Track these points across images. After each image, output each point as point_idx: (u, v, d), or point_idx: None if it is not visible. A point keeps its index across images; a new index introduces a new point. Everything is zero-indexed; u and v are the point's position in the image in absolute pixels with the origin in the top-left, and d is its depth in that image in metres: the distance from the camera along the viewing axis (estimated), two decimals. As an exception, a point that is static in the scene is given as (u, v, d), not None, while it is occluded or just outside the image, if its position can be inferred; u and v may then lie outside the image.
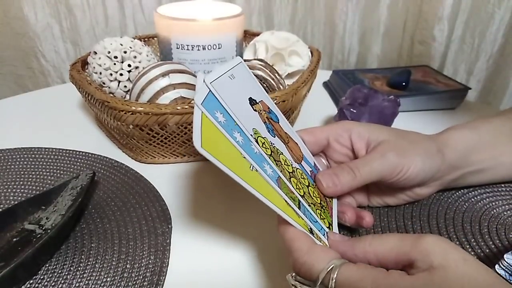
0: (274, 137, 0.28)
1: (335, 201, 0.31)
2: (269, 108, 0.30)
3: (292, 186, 0.26)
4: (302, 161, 0.30)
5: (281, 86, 0.45)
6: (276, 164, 0.25)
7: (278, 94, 0.40)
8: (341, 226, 0.30)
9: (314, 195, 0.28)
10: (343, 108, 0.45)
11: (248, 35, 0.62)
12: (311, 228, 0.25)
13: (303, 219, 0.25)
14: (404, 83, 0.58)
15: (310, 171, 0.30)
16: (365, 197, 0.34)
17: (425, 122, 0.54)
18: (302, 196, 0.26)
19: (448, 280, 0.19)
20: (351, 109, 0.44)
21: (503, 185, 0.38)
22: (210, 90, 0.24)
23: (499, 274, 0.24)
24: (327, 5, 0.88)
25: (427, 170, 0.30)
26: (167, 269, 0.30)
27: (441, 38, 0.82)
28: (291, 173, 0.27)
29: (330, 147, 0.33)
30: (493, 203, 0.36)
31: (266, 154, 0.25)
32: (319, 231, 0.25)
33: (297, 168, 0.28)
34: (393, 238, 0.22)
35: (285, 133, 0.30)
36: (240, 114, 0.25)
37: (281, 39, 0.56)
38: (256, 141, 0.25)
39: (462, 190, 0.37)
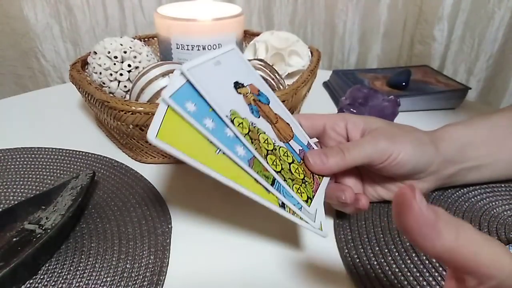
0: (258, 117, 0.28)
1: (326, 179, 0.31)
2: (258, 90, 0.30)
3: (268, 163, 0.26)
4: (292, 140, 0.30)
5: (281, 86, 0.45)
6: (252, 143, 0.26)
7: (278, 94, 0.40)
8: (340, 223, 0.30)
9: (297, 171, 0.28)
10: (343, 108, 0.45)
11: (248, 35, 0.62)
12: (282, 203, 0.25)
13: (274, 194, 0.25)
14: (404, 83, 0.58)
15: (299, 149, 0.30)
16: (360, 190, 0.34)
17: (425, 122, 0.54)
18: (279, 172, 0.26)
19: None
20: (351, 109, 0.44)
21: (503, 185, 0.38)
22: (187, 79, 0.24)
23: None
24: (327, 5, 0.89)
25: (418, 158, 0.30)
26: (167, 269, 0.30)
27: (441, 38, 0.82)
28: (270, 151, 0.27)
29: (325, 134, 0.33)
30: (493, 203, 0.36)
31: (241, 133, 0.25)
32: (294, 205, 0.26)
33: (280, 147, 0.28)
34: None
35: (275, 114, 0.30)
36: (218, 98, 0.25)
37: (281, 39, 0.56)
38: (232, 122, 0.25)
39: (462, 190, 0.37)
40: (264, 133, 0.27)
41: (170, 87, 0.23)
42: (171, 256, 0.31)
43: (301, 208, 0.26)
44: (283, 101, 0.40)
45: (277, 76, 0.45)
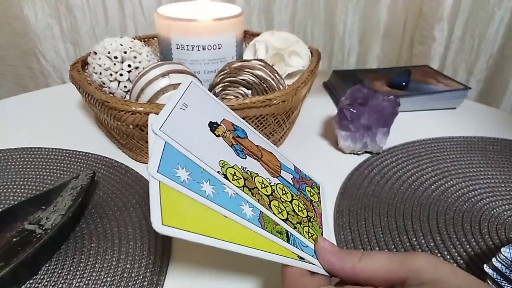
0: (245, 158, 0.27)
1: (322, 192, 0.30)
2: (233, 124, 0.28)
3: (274, 213, 0.24)
4: (281, 170, 0.29)
5: (281, 86, 0.45)
6: (252, 194, 0.24)
7: (278, 94, 0.40)
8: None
9: (300, 208, 0.27)
10: (343, 108, 0.45)
11: (248, 35, 0.62)
12: (300, 256, 0.24)
13: (290, 251, 0.24)
14: (404, 83, 0.58)
15: (291, 178, 0.29)
16: None
17: (425, 122, 0.54)
18: (287, 220, 0.25)
19: None
20: (351, 109, 0.44)
21: (503, 185, 0.38)
22: (165, 142, 0.22)
23: (495, 267, 0.25)
24: (327, 5, 0.89)
25: None
26: (167, 269, 0.30)
27: (441, 38, 0.82)
28: (270, 196, 0.25)
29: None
30: (493, 203, 0.36)
31: (238, 187, 0.24)
32: (311, 256, 0.24)
33: (277, 184, 0.27)
34: (382, 256, 0.22)
35: (257, 146, 0.29)
36: (202, 152, 0.23)
37: (281, 39, 0.56)
38: (225, 177, 0.24)
39: (462, 190, 0.37)
40: (258, 174, 0.26)
41: (152, 160, 0.20)
42: (171, 256, 0.31)
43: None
44: (283, 101, 0.40)
45: (277, 76, 0.45)
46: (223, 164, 0.24)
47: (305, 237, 0.25)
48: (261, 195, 0.25)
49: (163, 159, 0.21)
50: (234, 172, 0.24)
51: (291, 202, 0.27)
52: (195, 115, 0.26)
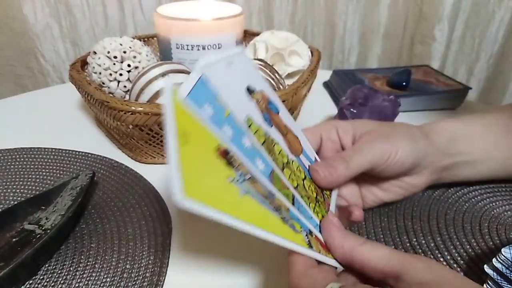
0: (271, 126, 0.27)
1: (334, 194, 0.30)
2: (269, 99, 0.28)
3: (285, 177, 0.24)
4: (301, 154, 0.29)
5: (281, 86, 0.44)
6: (269, 153, 0.24)
7: (278, 94, 0.40)
8: None
9: (310, 188, 0.27)
10: (343, 108, 0.45)
11: (248, 35, 0.62)
12: (309, 230, 0.24)
13: (300, 234, 0.23)
14: (404, 83, 0.58)
15: (308, 165, 0.29)
16: (359, 198, 0.34)
17: (425, 122, 0.54)
18: (296, 188, 0.25)
19: None
20: (351, 109, 0.44)
21: (503, 185, 0.38)
22: (200, 76, 0.22)
23: (495, 267, 0.25)
24: (327, 5, 0.89)
25: (415, 152, 0.30)
26: (167, 270, 0.30)
27: (442, 38, 0.82)
28: (285, 164, 0.26)
29: (323, 145, 0.32)
30: (494, 203, 0.36)
31: (259, 141, 0.24)
32: (314, 227, 0.24)
33: (293, 160, 0.27)
34: (385, 249, 0.22)
35: (285, 125, 0.29)
36: (233, 101, 0.23)
37: (281, 39, 0.56)
38: (249, 128, 0.24)
39: (462, 191, 0.37)
40: (278, 144, 0.26)
41: (185, 86, 0.20)
42: (171, 257, 0.31)
43: (320, 230, 0.25)
44: (283, 101, 0.40)
45: (277, 76, 0.45)
46: (249, 119, 0.24)
47: (310, 209, 0.25)
48: (277, 159, 0.25)
49: (195, 90, 0.21)
50: (257, 130, 0.24)
51: (303, 180, 0.27)
52: (236, 75, 0.25)
